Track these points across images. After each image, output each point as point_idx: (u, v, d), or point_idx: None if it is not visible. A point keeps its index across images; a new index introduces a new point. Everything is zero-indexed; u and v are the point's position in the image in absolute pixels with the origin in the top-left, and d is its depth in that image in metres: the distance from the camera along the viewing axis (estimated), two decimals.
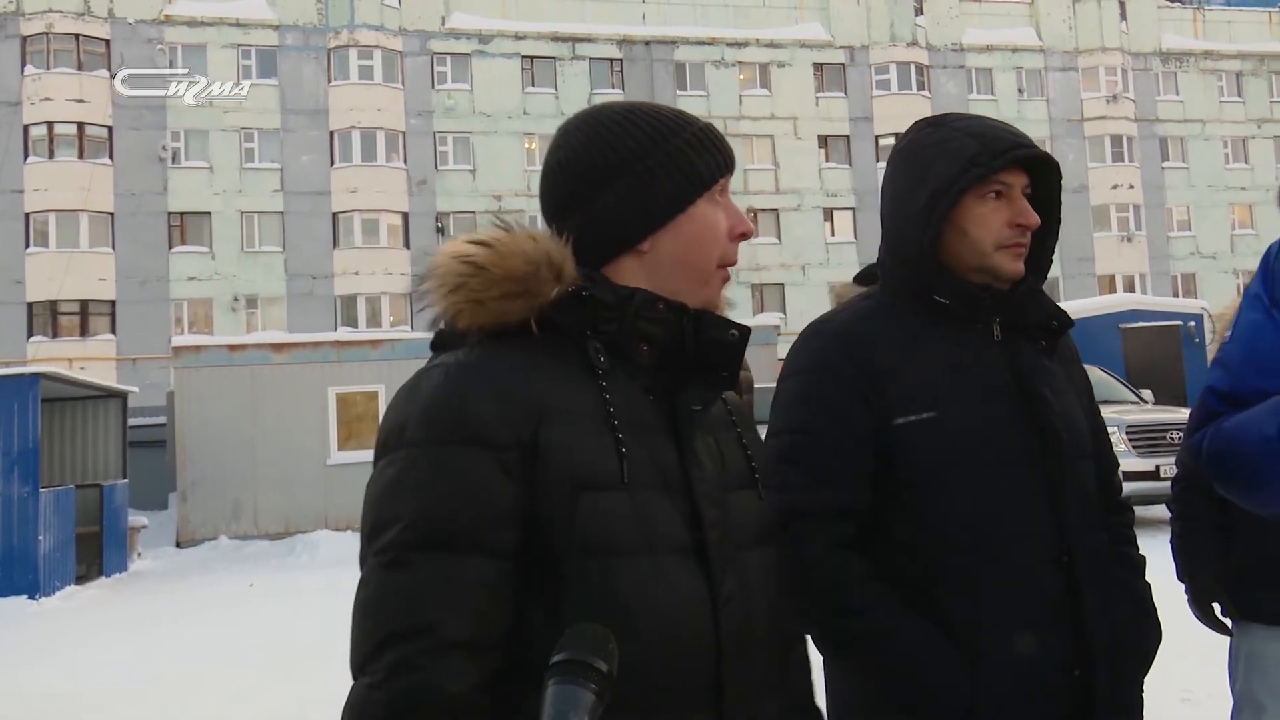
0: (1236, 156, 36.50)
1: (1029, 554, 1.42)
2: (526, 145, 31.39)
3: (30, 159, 28.57)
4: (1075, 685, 1.40)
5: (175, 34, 30.01)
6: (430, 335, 1.10)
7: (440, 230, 30.55)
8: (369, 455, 1.06)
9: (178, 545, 13.21)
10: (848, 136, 34.39)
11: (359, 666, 0.93)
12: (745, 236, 1.13)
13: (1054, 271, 34.38)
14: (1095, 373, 10.47)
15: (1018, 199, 1.46)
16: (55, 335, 27.83)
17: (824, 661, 1.53)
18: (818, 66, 34.48)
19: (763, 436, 1.36)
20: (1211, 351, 2.05)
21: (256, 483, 13.30)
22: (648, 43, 33.23)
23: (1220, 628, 2.51)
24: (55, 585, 10.42)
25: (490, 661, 0.93)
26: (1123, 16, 36.31)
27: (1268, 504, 1.33)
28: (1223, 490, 1.41)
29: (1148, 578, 1.62)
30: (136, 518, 12.84)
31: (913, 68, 34.68)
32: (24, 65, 28.78)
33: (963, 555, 1.40)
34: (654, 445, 1.03)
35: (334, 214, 30.48)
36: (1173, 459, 7.14)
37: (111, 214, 28.98)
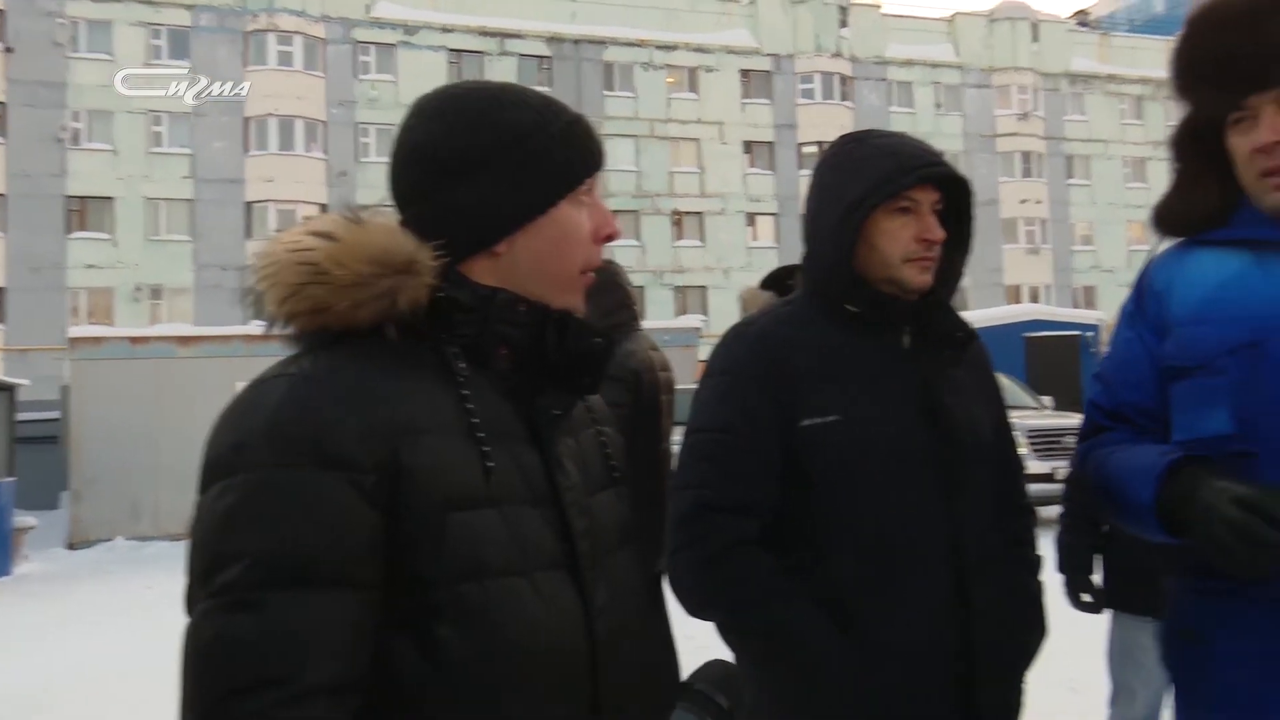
0: (1136, 176, 38.22)
1: (923, 552, 1.49)
2: None
3: None
4: (960, 675, 1.48)
5: (78, 8, 28.76)
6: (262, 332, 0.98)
7: None
8: None
9: (69, 547, 12.58)
10: (772, 143, 34.90)
11: None
12: (611, 239, 1.06)
13: (965, 280, 35.77)
14: (999, 379, 10.85)
15: (925, 215, 1.53)
16: None
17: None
18: (744, 73, 34.92)
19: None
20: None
21: (158, 481, 12.76)
22: (577, 41, 33.18)
23: (1088, 608, 2.78)
24: None
25: (352, 702, 0.84)
26: (1035, 38, 37.71)
27: (1139, 534, 1.44)
28: (1104, 514, 1.53)
29: (1042, 578, 1.69)
30: (23, 518, 12.17)
31: (836, 78, 35.40)
32: None
33: (861, 552, 1.47)
34: (518, 454, 0.97)
35: (247, 203, 29.62)
36: (1068, 462, 7.50)
37: (3, 195, 27.63)
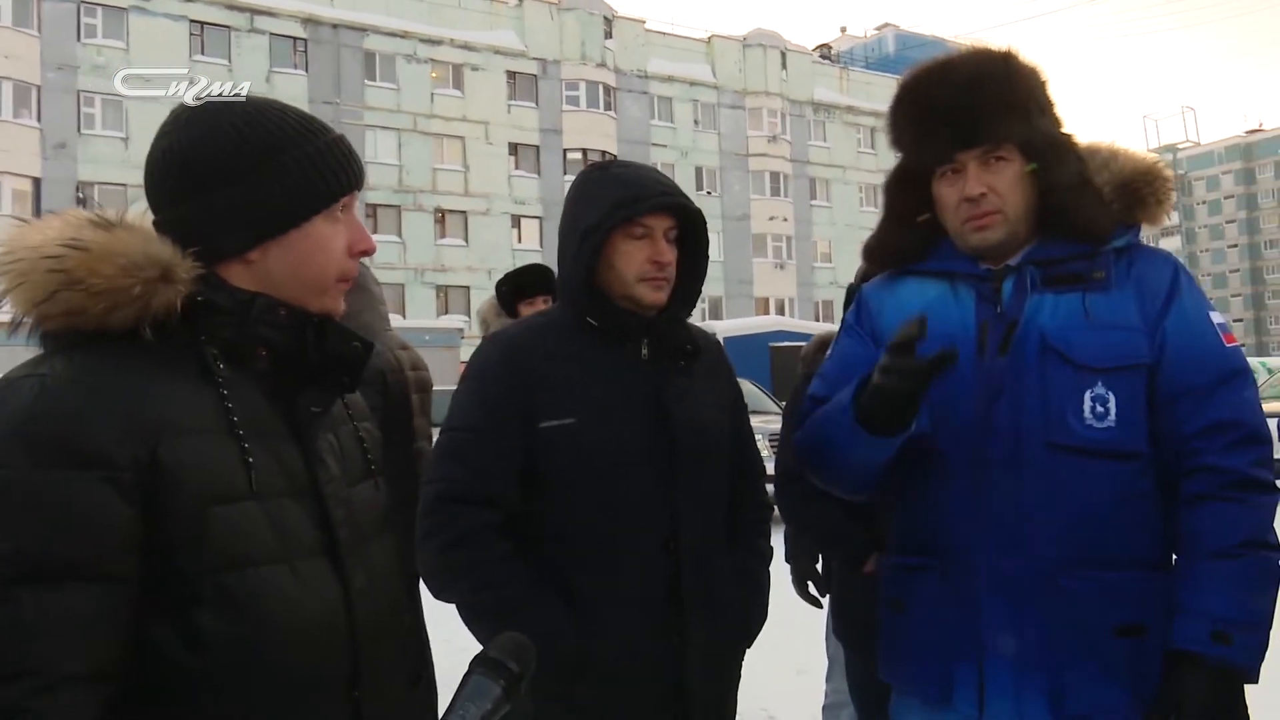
0: (869, 201, 41.83)
1: (644, 541, 1.66)
2: None
3: None
4: (674, 649, 1.66)
5: None
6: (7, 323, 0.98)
7: (82, 202, 27.02)
8: None
9: None
10: (537, 147, 35.05)
11: None
12: (366, 254, 1.11)
13: (718, 291, 37.17)
14: (747, 386, 11.56)
15: (658, 239, 1.70)
16: None
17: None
18: (511, 74, 34.84)
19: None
20: None
21: None
22: (335, 26, 31.72)
23: (813, 601, 3.07)
24: None
25: (107, 693, 0.87)
26: (783, 66, 40.38)
27: (842, 478, 1.63)
28: (811, 476, 1.72)
29: (770, 568, 1.89)
30: None
31: (601, 87, 36.12)
32: None
33: (590, 541, 1.64)
34: (278, 450, 1.01)
35: None
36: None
37: None
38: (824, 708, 3.25)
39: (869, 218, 42.53)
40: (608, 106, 36.23)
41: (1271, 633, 1.45)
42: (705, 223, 1.78)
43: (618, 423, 1.66)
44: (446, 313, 30.39)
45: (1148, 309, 1.53)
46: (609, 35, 36.65)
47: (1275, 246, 77.16)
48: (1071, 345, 1.51)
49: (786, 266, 39.29)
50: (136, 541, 0.89)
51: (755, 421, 1.98)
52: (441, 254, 32.51)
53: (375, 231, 28.20)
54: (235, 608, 0.92)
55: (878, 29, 58.36)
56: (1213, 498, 1.47)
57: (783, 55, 40.49)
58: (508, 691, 0.92)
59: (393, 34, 32.54)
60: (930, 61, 1.64)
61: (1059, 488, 1.49)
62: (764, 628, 1.87)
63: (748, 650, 1.85)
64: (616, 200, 1.66)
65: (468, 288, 32.51)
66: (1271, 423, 1.63)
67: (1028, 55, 1.61)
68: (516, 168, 34.69)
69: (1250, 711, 1.48)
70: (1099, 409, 1.49)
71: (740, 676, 1.83)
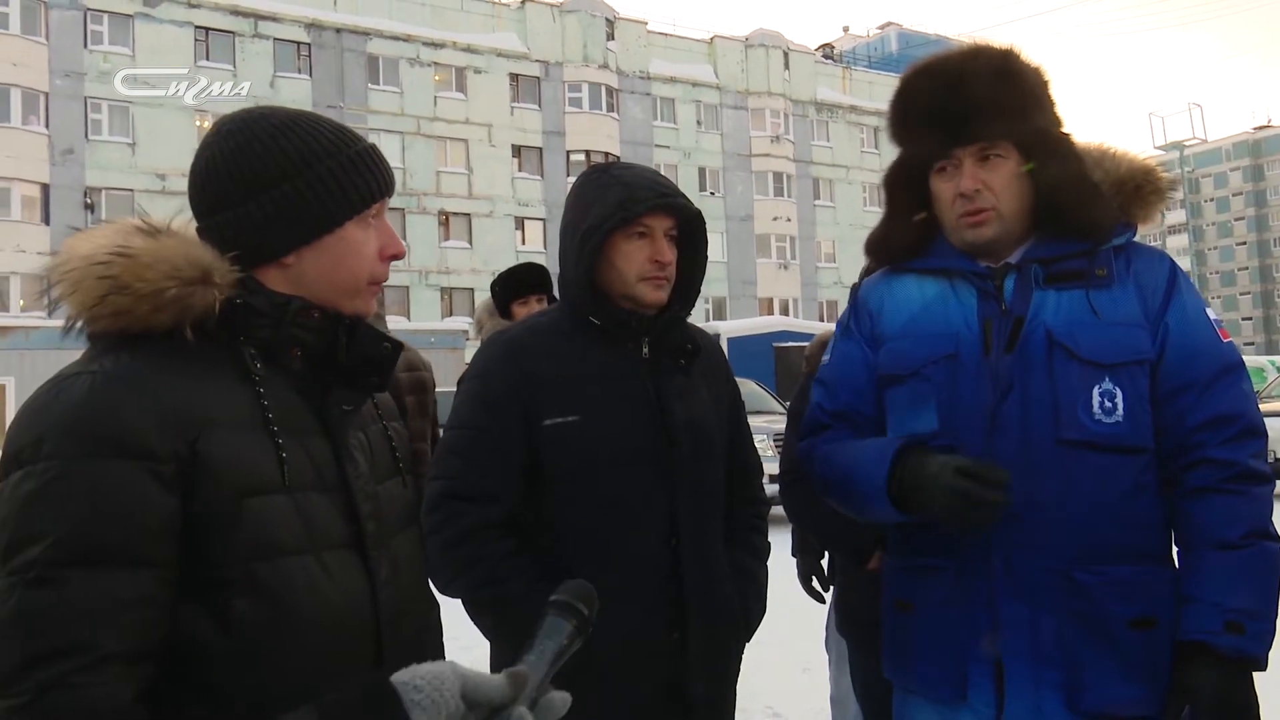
0: (872, 200, 41.79)
1: (645, 537, 1.68)
2: (198, 123, 28.72)
3: None
4: (674, 645, 1.68)
5: None
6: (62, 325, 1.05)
7: (90, 207, 27.13)
8: None
9: None
10: (540, 149, 35.08)
11: None
12: (396, 258, 1.17)
13: (722, 292, 37.14)
14: (750, 386, 11.57)
15: (659, 239, 1.72)
16: None
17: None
18: (513, 77, 34.89)
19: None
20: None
21: None
22: (339, 30, 31.80)
23: (816, 596, 3.09)
24: None
25: (147, 671, 0.92)
26: (786, 66, 40.37)
27: (858, 513, 1.68)
28: (827, 499, 1.74)
29: (769, 564, 1.92)
30: None
31: (603, 89, 36.15)
32: None
33: (592, 537, 1.66)
34: (310, 446, 1.06)
35: None
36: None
37: None
38: (831, 699, 3.27)
39: (873, 218, 41.41)
40: (610, 108, 36.25)
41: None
42: (704, 223, 1.80)
43: (620, 420, 1.68)
44: (451, 315, 30.44)
45: (1149, 305, 1.55)
46: (611, 37, 36.67)
47: None
48: (1078, 341, 1.52)
49: (790, 267, 39.26)
50: (176, 529, 0.94)
51: (759, 421, 2.01)
52: (445, 256, 32.57)
53: None
54: (265, 595, 0.97)
55: (880, 28, 58.33)
56: (1216, 490, 1.48)
57: (785, 55, 40.47)
58: (579, 629, 0.99)
59: (395, 38, 32.61)
60: (930, 58, 1.65)
61: (1070, 483, 1.50)
62: (769, 626, 1.88)
63: (750, 647, 1.86)
64: (617, 201, 1.68)
65: (472, 290, 32.54)
66: (1276, 422, 1.65)
67: (1029, 54, 1.62)
68: (520, 170, 34.73)
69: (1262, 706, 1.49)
70: (1107, 404, 1.51)
71: (739, 672, 1.84)
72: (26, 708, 0.85)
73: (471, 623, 1.73)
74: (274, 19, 30.88)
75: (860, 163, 41.79)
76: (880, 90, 41.76)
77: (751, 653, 1.90)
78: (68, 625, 0.88)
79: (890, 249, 1.73)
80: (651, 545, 1.68)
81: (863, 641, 2.49)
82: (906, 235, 1.69)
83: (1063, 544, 1.50)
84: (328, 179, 1.09)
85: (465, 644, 1.79)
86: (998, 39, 1.67)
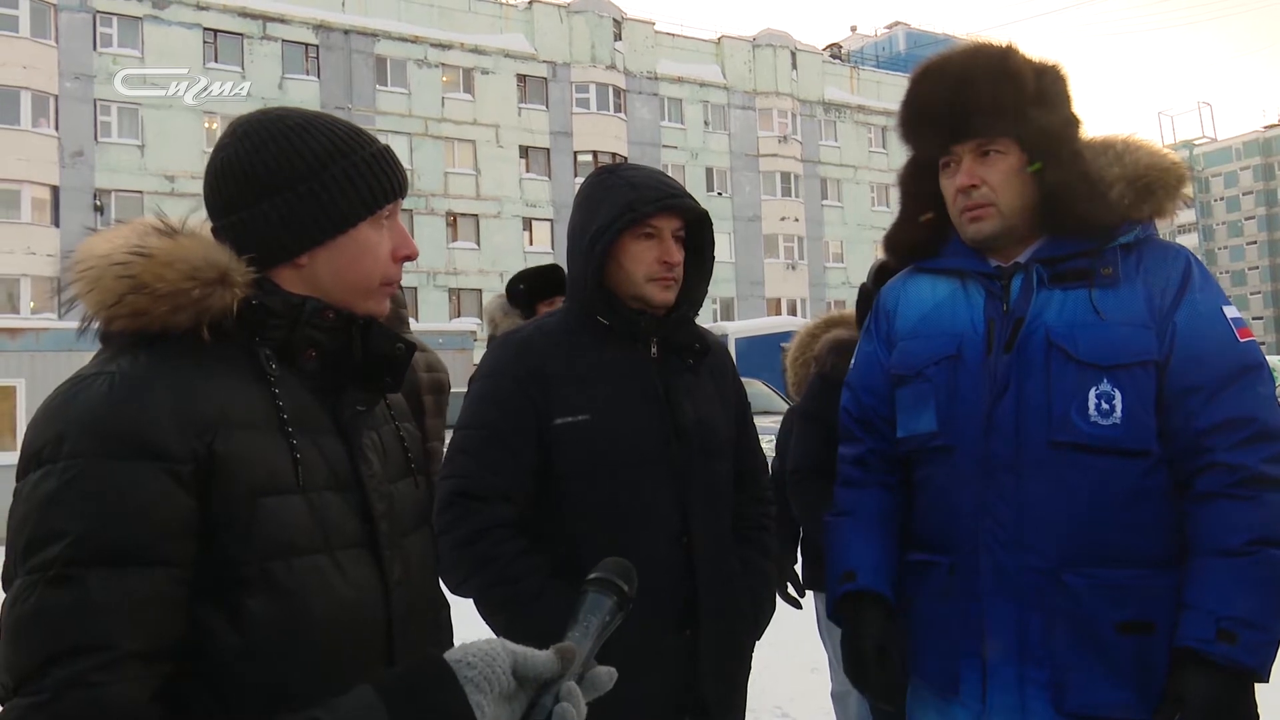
0: (880, 200, 41.76)
1: (656, 534, 1.69)
2: (207, 124, 28.84)
3: None
4: (686, 642, 1.69)
5: None
6: (76, 325, 1.06)
7: (99, 209, 27.24)
8: (7, 459, 0.98)
9: None
10: (548, 149, 35.11)
11: (15, 686, 0.88)
12: (409, 259, 1.17)
13: (730, 292, 37.11)
14: (758, 386, 11.56)
15: (667, 240, 1.73)
16: None
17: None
18: (521, 77, 34.91)
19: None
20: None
21: None
22: (346, 32, 31.87)
23: (792, 602, 3.11)
24: None
25: (164, 669, 0.93)
26: (793, 66, 40.32)
27: None
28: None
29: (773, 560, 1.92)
30: None
31: (611, 90, 36.15)
32: None
33: (603, 534, 1.66)
34: (324, 446, 1.07)
35: None
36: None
37: None
38: (832, 694, 3.28)
39: (881, 217, 42.59)
40: (618, 108, 36.25)
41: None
42: (712, 224, 1.81)
43: (630, 419, 1.69)
44: (459, 315, 30.49)
45: (1157, 304, 1.52)
46: (618, 37, 36.67)
47: None
48: (1076, 342, 1.51)
49: (798, 267, 39.22)
50: (193, 528, 0.95)
51: (767, 421, 2.01)
52: (454, 257, 32.62)
53: None
54: (279, 594, 0.98)
55: (888, 27, 58.23)
56: (1221, 495, 1.45)
57: (793, 55, 40.43)
58: (619, 605, 1.00)
59: (403, 39, 32.68)
60: (932, 58, 1.67)
61: (1062, 485, 1.50)
62: (777, 627, 1.88)
63: (758, 648, 1.87)
64: (625, 202, 1.69)
65: (480, 290, 32.60)
66: None
67: (1032, 51, 1.62)
68: (527, 170, 34.75)
69: (1261, 712, 1.46)
70: (1104, 406, 1.49)
71: (750, 669, 1.84)
72: (46, 705, 0.86)
73: (480, 621, 1.73)
74: (282, 20, 30.97)
75: (868, 162, 41.74)
76: (888, 90, 41.73)
77: (759, 653, 1.90)
78: (86, 623, 0.88)
79: (905, 246, 1.75)
80: (662, 544, 1.69)
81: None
82: (915, 234, 1.70)
83: (1052, 545, 1.49)
84: (342, 180, 1.10)
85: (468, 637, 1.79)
86: (1005, 38, 1.68)
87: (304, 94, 29.90)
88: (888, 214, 42.73)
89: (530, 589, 1.62)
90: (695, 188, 33.69)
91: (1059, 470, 1.50)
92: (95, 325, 1.04)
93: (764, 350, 16.11)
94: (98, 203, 27.54)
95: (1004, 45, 1.62)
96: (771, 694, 4.31)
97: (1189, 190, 1.64)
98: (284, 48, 30.91)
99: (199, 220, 1.10)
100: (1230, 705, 1.40)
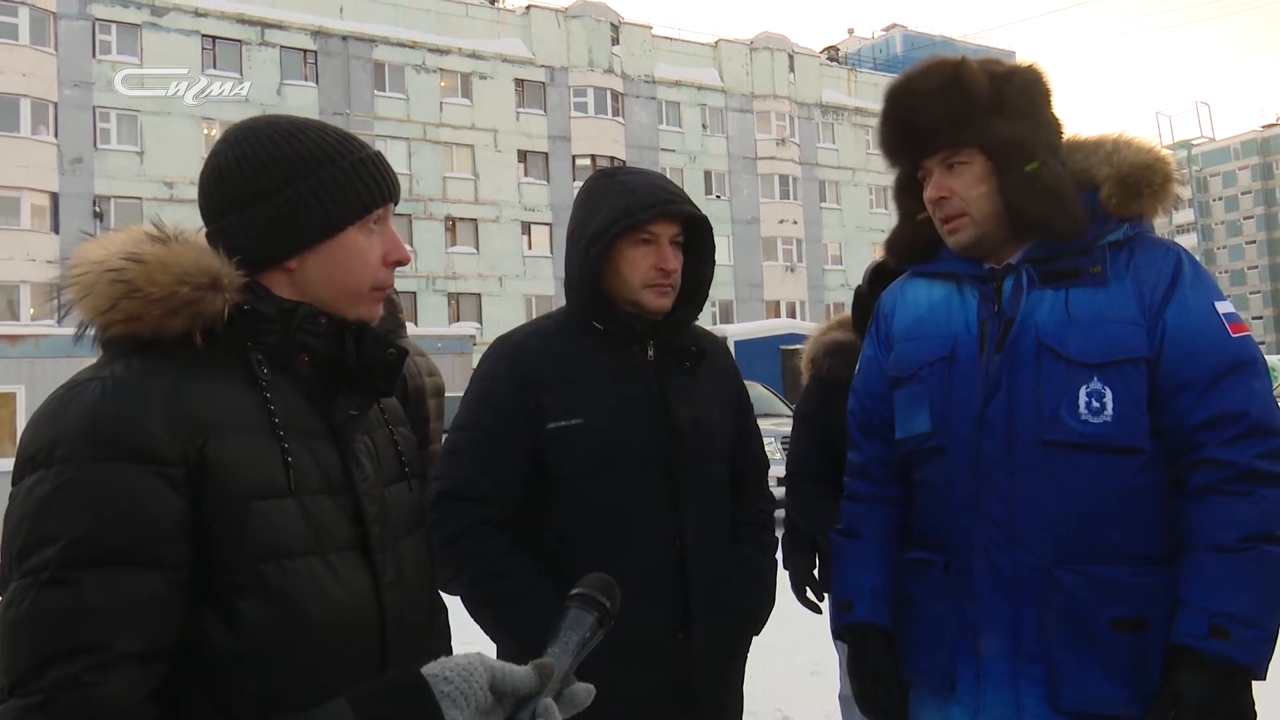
0: (879, 202, 41.78)
1: (649, 538, 1.70)
2: (205, 130, 28.87)
3: None
4: (679, 644, 1.69)
5: None
6: (74, 332, 1.07)
7: (99, 215, 27.27)
8: (6, 465, 0.99)
9: None
10: (546, 153, 35.13)
11: (11, 687, 0.89)
12: (400, 264, 1.18)
13: (729, 295, 37.11)
14: (758, 389, 11.57)
15: (663, 246, 1.73)
16: None
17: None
18: (519, 82, 34.96)
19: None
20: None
21: None
22: (345, 38, 31.91)
23: (812, 606, 3.08)
24: None
25: (158, 671, 0.93)
26: (791, 68, 40.37)
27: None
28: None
29: (775, 558, 1.94)
30: None
31: (609, 94, 36.19)
32: None
33: (596, 537, 1.67)
34: (317, 450, 1.08)
35: None
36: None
37: None
38: (840, 696, 3.28)
39: (879, 219, 42.63)
40: (616, 112, 36.29)
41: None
42: (711, 228, 1.81)
43: (624, 423, 1.70)
44: (458, 320, 30.49)
45: (1147, 301, 1.53)
46: (616, 41, 36.72)
47: None
48: (1065, 341, 1.52)
49: (797, 269, 39.24)
50: (186, 531, 0.96)
51: (766, 424, 2.02)
52: (452, 261, 32.64)
53: None
54: (272, 596, 0.98)
55: (885, 30, 58.31)
56: (1215, 491, 1.45)
57: (790, 58, 40.48)
58: (600, 621, 1.00)
59: (401, 44, 32.72)
60: (898, 77, 1.71)
61: (1054, 483, 1.50)
62: (778, 629, 1.89)
63: (759, 650, 1.87)
64: (622, 207, 1.69)
65: (478, 295, 32.62)
66: None
67: (988, 62, 1.65)
68: (526, 175, 34.78)
69: (1261, 711, 1.45)
70: (1094, 404, 1.50)
71: (745, 669, 1.85)
72: (41, 706, 0.87)
73: (473, 622, 1.74)
74: (280, 27, 31.01)
75: (866, 164, 41.77)
76: None
77: (760, 655, 1.91)
78: (81, 625, 0.89)
79: (903, 250, 1.78)
80: (656, 546, 1.69)
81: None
82: (915, 236, 1.73)
83: (1046, 542, 1.50)
84: (330, 184, 1.10)
85: (464, 639, 1.80)
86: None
87: (302, 100, 29.94)
88: (886, 216, 43.04)
89: (515, 586, 1.64)
90: (693, 191, 33.71)
91: (1051, 468, 1.51)
92: (91, 331, 1.05)
93: (763, 353, 16.13)
94: (97, 209, 27.57)
95: (957, 59, 1.64)
96: (771, 695, 4.31)
97: (1177, 187, 1.64)
98: (282, 54, 30.95)
99: (194, 229, 1.11)
100: (1225, 702, 1.40)
